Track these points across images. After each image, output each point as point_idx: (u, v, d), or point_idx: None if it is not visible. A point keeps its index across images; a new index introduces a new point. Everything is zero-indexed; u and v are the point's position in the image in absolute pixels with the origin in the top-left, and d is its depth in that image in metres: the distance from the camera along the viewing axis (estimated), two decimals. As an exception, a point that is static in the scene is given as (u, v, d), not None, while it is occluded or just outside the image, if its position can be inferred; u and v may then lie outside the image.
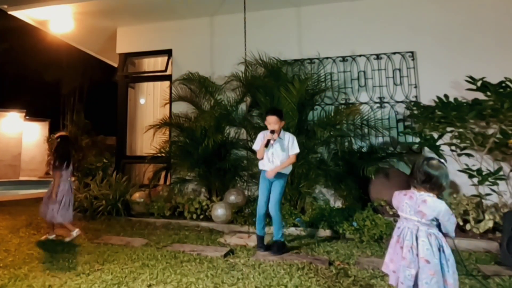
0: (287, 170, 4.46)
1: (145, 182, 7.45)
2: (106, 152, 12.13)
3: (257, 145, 4.45)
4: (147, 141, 7.74)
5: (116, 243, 4.74)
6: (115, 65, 9.38)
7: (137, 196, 6.37)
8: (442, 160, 2.49)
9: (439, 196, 2.44)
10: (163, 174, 7.15)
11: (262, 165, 4.48)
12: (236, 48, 6.88)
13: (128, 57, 8.58)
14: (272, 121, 4.30)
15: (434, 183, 2.41)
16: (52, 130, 17.91)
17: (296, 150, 4.38)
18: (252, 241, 4.87)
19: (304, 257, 4.15)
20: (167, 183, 7.27)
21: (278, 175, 4.37)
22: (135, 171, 8.24)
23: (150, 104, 9.28)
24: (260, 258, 4.10)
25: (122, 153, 8.21)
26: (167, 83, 8.08)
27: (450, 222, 2.36)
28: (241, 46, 6.69)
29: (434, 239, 2.36)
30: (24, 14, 7.74)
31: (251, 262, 3.97)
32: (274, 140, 4.29)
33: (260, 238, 4.54)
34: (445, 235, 2.41)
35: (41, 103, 18.05)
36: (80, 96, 18.20)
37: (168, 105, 7.70)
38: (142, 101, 9.30)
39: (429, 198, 2.40)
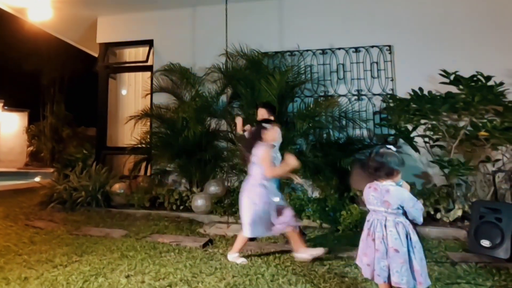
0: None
1: (125, 173, 7.43)
2: (86, 143, 12.01)
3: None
4: (128, 132, 7.71)
5: (95, 234, 4.75)
6: (96, 55, 9.24)
7: (117, 187, 6.37)
8: (390, 147, 2.59)
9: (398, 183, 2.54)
10: (143, 165, 7.15)
11: None
12: (218, 40, 6.85)
13: (109, 47, 8.48)
14: (259, 113, 4.54)
15: (386, 170, 2.51)
16: (31, 121, 17.61)
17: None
18: (231, 231, 4.94)
19: (281, 246, 4.23)
20: (148, 174, 7.28)
21: None
22: (115, 162, 8.20)
23: (132, 95, 9.21)
24: (238, 248, 4.19)
25: (102, 144, 8.15)
26: (148, 73, 8.02)
27: (415, 209, 2.43)
28: (222, 38, 6.65)
29: (402, 228, 2.44)
30: (1, 1, 7.55)
31: (229, 252, 4.05)
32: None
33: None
34: (414, 222, 2.49)
35: (20, 93, 17.61)
36: (61, 87, 17.80)
37: (149, 96, 7.66)
38: (123, 92, 9.22)
39: (392, 187, 2.49)
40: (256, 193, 3.74)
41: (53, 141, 16.62)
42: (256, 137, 3.84)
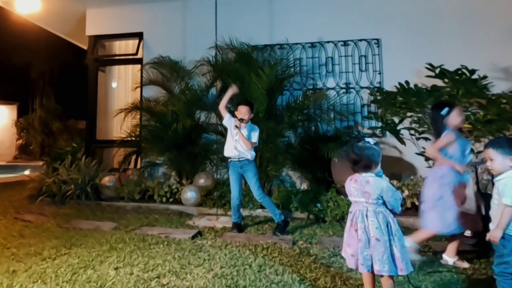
0: (252, 156, 4.61)
1: (115, 166, 7.44)
2: (76, 137, 11.97)
3: (225, 113, 4.69)
4: (118, 125, 7.70)
5: (85, 227, 4.76)
6: (86, 47, 9.16)
7: (107, 180, 6.38)
8: (368, 140, 2.65)
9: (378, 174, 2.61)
10: (133, 158, 7.17)
11: (227, 151, 4.67)
12: (208, 33, 6.89)
13: (98, 40, 8.41)
14: (243, 111, 4.55)
15: (365, 163, 2.57)
16: (20, 114, 17.47)
17: (253, 140, 4.59)
18: (220, 223, 5.01)
19: (269, 238, 4.30)
20: (138, 167, 7.30)
21: (247, 163, 4.58)
22: (105, 156, 8.19)
23: (122, 88, 9.16)
24: (227, 239, 4.23)
25: (92, 137, 8.14)
26: (138, 66, 7.99)
27: (394, 198, 2.50)
28: (212, 31, 6.70)
29: (382, 217, 2.51)
30: (-13, -7, 7.46)
31: (218, 243, 4.10)
32: (239, 127, 4.49)
33: (236, 225, 4.75)
34: (392, 212, 2.55)
35: (9, 86, 17.42)
36: (50, 80, 17.68)
37: (139, 89, 7.64)
38: (113, 85, 9.18)
39: (371, 178, 2.56)
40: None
41: (42, 134, 16.55)
42: (438, 125, 3.59)
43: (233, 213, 4.77)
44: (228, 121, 4.68)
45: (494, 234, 2.49)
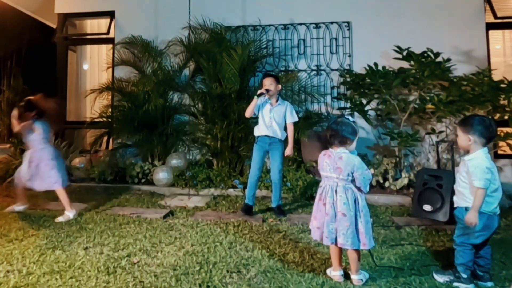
0: (283, 136, 4.49)
1: (87, 148, 7.34)
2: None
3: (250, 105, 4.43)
4: (89, 106, 7.56)
5: (54, 208, 4.70)
6: (55, 26, 8.83)
7: (77, 161, 6.30)
8: (348, 117, 2.74)
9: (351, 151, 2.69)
10: (105, 139, 7.07)
11: (259, 130, 4.49)
12: (181, 13, 6.75)
13: (68, 18, 8.13)
14: (267, 83, 4.40)
15: (341, 137, 2.65)
16: (-14, 95, 16.76)
17: (295, 118, 4.51)
18: (192, 203, 5.05)
19: (240, 216, 4.37)
20: (110, 148, 7.22)
21: (275, 142, 4.43)
22: (76, 137, 8.04)
23: (94, 68, 8.95)
24: (198, 218, 4.28)
25: (62, 119, 7.94)
26: (110, 46, 7.79)
27: (363, 176, 2.58)
28: (185, 10, 6.59)
29: (351, 193, 2.61)
30: None
31: (189, 222, 4.14)
32: (266, 96, 4.35)
33: (248, 207, 4.51)
34: (359, 190, 2.64)
35: (-27, 66, 16.66)
36: (18, 59, 16.98)
37: (111, 69, 7.49)
38: (85, 65, 8.94)
39: (344, 155, 2.64)
40: None
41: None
42: None
43: (248, 191, 4.51)
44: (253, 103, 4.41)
45: (471, 217, 2.52)
